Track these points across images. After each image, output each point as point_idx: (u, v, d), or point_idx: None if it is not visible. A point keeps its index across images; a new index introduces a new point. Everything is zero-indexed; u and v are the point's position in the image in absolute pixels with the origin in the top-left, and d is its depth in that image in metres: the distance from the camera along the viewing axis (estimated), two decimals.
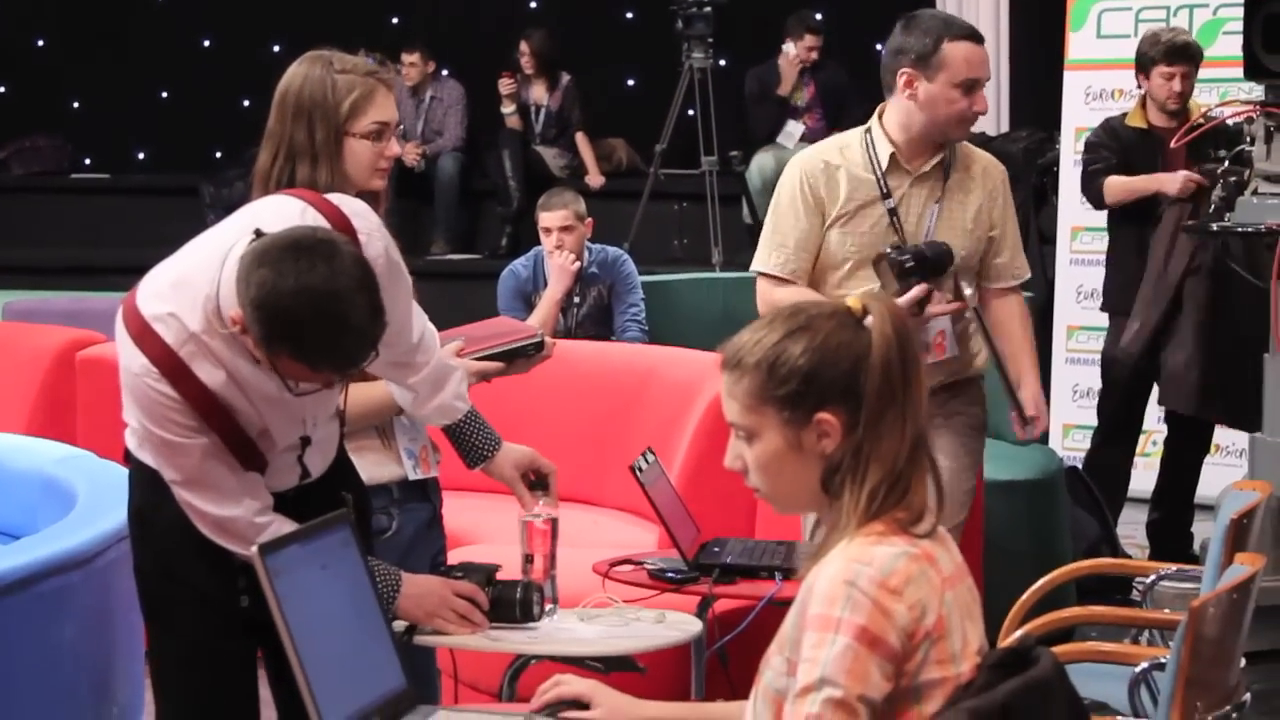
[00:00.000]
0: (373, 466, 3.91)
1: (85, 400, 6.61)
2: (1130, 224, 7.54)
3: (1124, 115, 7.65)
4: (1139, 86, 7.64)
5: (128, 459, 3.47)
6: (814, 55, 10.98)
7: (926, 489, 2.65)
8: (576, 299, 7.56)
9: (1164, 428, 7.66)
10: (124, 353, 3.30)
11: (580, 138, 11.76)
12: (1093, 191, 7.58)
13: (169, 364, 3.24)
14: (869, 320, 2.64)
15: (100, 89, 13.63)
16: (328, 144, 3.79)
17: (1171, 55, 7.39)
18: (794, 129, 10.99)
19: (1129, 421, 7.58)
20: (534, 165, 11.64)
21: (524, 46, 11.66)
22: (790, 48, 10.94)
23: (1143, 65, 7.50)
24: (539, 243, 7.65)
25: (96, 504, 4.40)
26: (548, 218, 7.53)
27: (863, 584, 2.52)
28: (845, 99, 11.20)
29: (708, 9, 10.39)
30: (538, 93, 11.75)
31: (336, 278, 3.06)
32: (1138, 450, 8.17)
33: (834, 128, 10.98)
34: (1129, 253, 7.54)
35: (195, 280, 3.26)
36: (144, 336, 3.26)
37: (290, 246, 3.09)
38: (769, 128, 11.07)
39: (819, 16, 11.22)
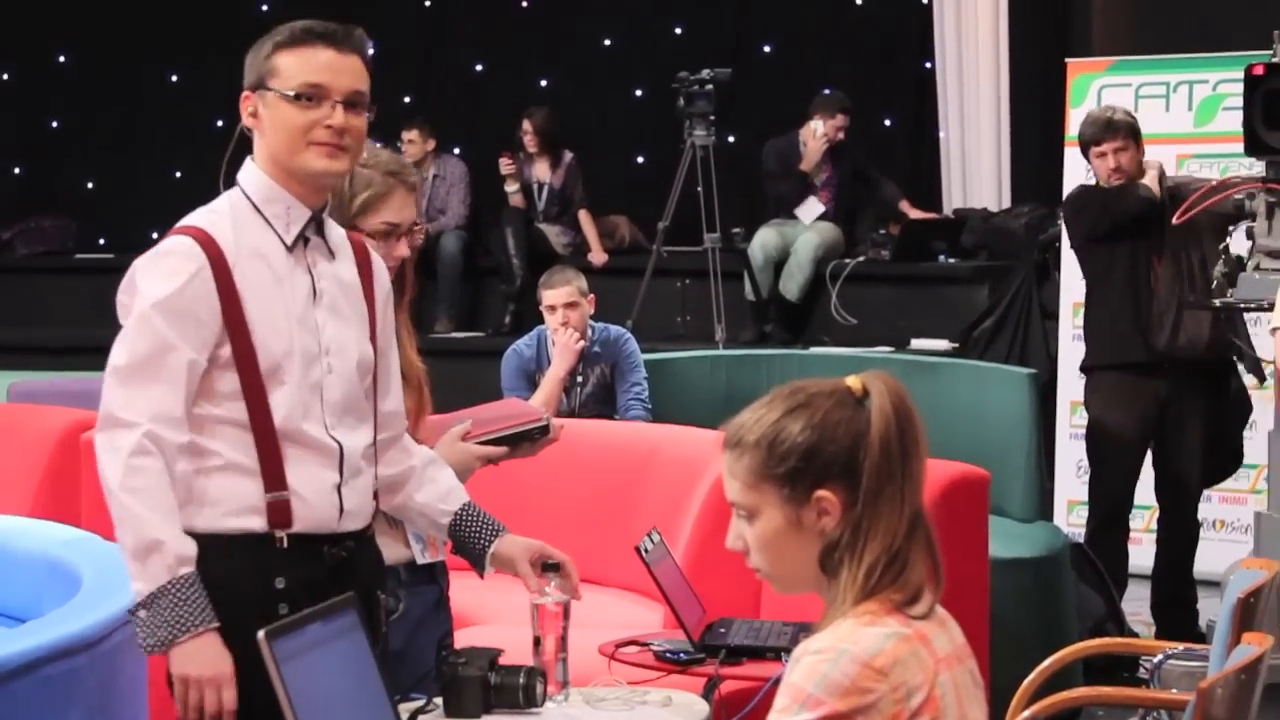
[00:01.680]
0: (380, 549, 3.91)
1: (90, 482, 6.57)
2: (1112, 281, 7.51)
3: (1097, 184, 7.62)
4: (1088, 169, 7.67)
5: None
6: (841, 135, 10.98)
7: (924, 567, 2.66)
8: (580, 378, 7.56)
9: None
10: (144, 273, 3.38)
11: (583, 215, 11.79)
12: (1092, 211, 7.48)
13: (193, 232, 3.39)
14: (869, 399, 2.65)
15: (113, 169, 13.69)
16: None
17: (1101, 132, 7.35)
18: (813, 206, 10.98)
19: (1121, 495, 7.53)
20: (537, 243, 11.67)
21: (526, 125, 11.71)
22: (819, 125, 10.91)
23: (1084, 149, 7.49)
24: (542, 321, 7.66)
25: (102, 587, 4.39)
26: (551, 295, 7.54)
27: (844, 663, 2.53)
28: (865, 179, 11.20)
29: (709, 86, 10.42)
30: (540, 170, 11.79)
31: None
32: (1142, 526, 8.16)
33: (842, 207, 11.04)
34: (1106, 308, 7.53)
35: (220, 198, 3.48)
36: (168, 233, 3.41)
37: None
38: (789, 202, 11.05)
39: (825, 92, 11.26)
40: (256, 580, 3.36)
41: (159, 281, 3.33)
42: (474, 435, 4.02)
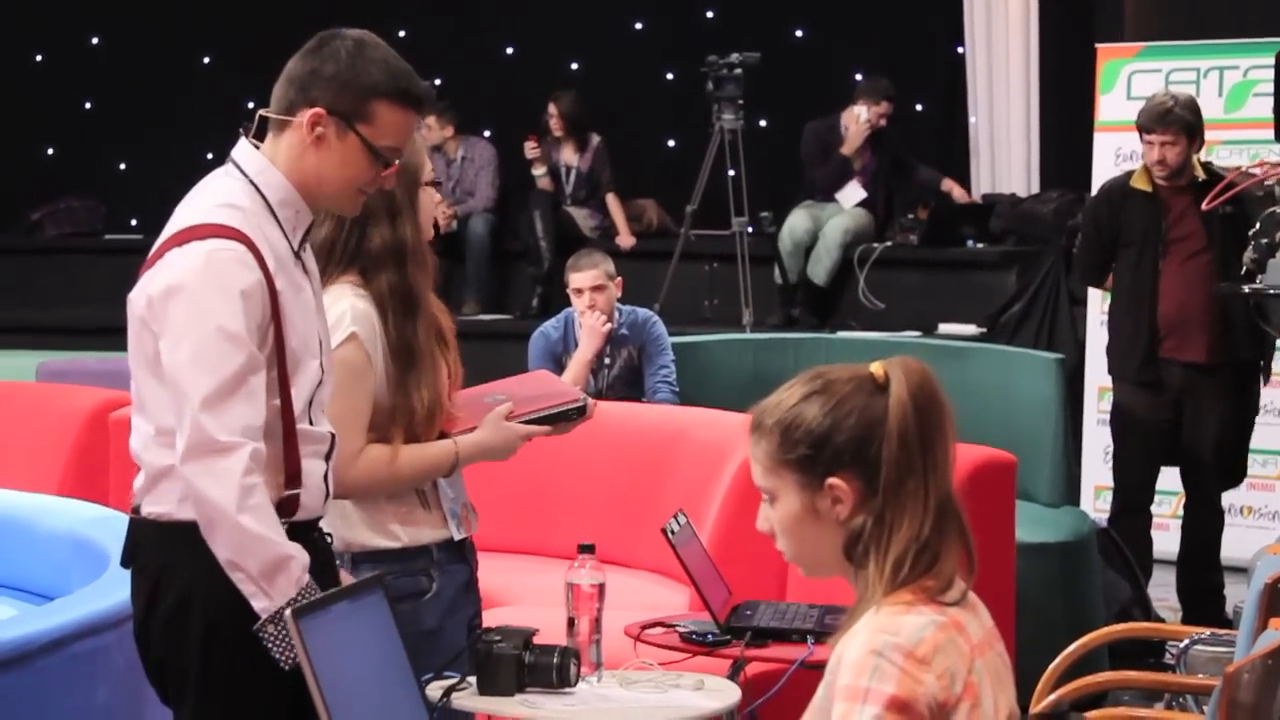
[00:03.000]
0: (414, 529, 3.93)
1: (118, 461, 6.61)
2: (1119, 290, 7.50)
3: (1130, 174, 7.51)
4: (1117, 155, 7.63)
5: (154, 538, 3.45)
6: (883, 122, 10.95)
7: (956, 554, 2.65)
8: (607, 360, 7.56)
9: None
10: (179, 264, 3.32)
11: (611, 198, 11.79)
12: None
13: (241, 237, 3.29)
14: (890, 387, 2.64)
15: (145, 150, 13.71)
16: (406, 197, 3.84)
17: (1152, 122, 7.25)
18: (854, 191, 10.94)
19: (1141, 482, 7.52)
20: (565, 226, 11.67)
21: (552, 109, 11.71)
22: (863, 111, 10.87)
23: (1139, 130, 7.42)
24: (569, 303, 7.66)
25: None
26: (578, 278, 7.54)
27: (890, 654, 2.52)
28: (902, 167, 11.16)
29: (738, 71, 10.42)
30: (567, 154, 11.79)
31: (363, 32, 3.41)
32: (1169, 513, 8.14)
33: (880, 193, 11.01)
34: (1113, 318, 7.52)
35: (228, 185, 3.38)
36: (205, 229, 3.31)
37: (319, 40, 3.41)
38: (831, 185, 11.02)
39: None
40: None
41: (228, 298, 3.27)
42: (516, 415, 4.06)
